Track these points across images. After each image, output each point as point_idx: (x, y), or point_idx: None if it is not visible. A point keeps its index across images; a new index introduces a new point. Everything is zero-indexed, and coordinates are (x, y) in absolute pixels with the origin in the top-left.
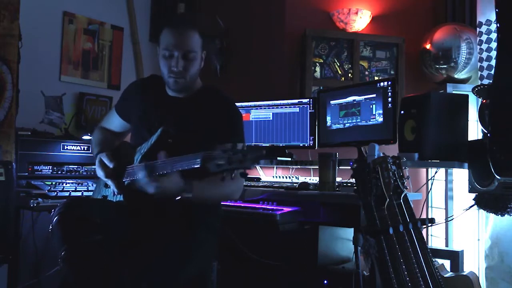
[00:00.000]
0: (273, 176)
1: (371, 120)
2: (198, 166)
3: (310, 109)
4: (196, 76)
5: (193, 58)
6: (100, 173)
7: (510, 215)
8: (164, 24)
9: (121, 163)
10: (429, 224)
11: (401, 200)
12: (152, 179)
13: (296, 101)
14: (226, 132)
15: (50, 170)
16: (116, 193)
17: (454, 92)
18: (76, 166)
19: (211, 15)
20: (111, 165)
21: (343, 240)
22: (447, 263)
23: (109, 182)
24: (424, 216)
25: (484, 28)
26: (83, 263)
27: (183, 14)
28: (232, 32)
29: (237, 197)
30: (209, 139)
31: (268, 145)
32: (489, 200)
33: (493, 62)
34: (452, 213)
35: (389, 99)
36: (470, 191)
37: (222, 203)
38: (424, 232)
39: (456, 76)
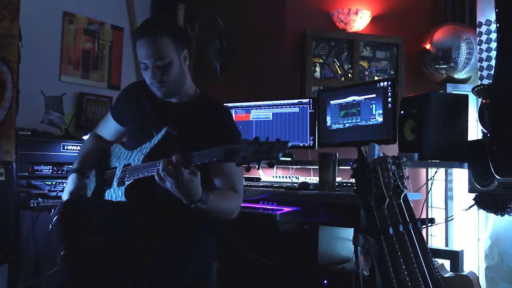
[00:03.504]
0: (273, 176)
1: (371, 120)
2: (222, 158)
3: (310, 109)
4: (181, 79)
5: (168, 65)
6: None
7: (510, 215)
8: (133, 36)
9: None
10: (429, 224)
11: (401, 200)
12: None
13: (296, 101)
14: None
15: (50, 170)
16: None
17: (454, 92)
18: None
19: (211, 15)
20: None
21: (343, 240)
22: (447, 263)
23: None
24: (424, 216)
25: (484, 28)
26: (82, 263)
27: (148, 21)
28: (232, 32)
29: (235, 215)
30: (205, 146)
31: None
32: (489, 200)
33: (493, 62)
34: (452, 213)
35: (389, 99)
36: (470, 191)
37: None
38: (424, 232)
39: (456, 76)
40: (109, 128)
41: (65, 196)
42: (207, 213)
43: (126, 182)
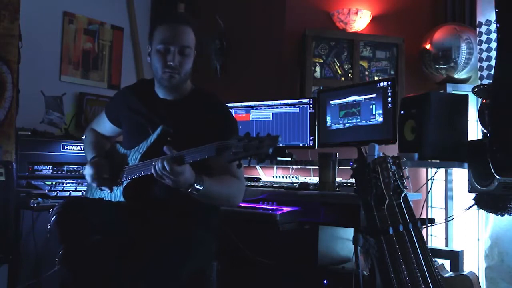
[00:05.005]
0: (273, 176)
1: (371, 120)
2: (213, 155)
3: (310, 109)
4: (189, 75)
5: (189, 54)
6: (90, 178)
7: (510, 215)
8: (159, 21)
9: (116, 166)
10: (429, 224)
11: (401, 200)
12: (170, 171)
13: (296, 101)
14: (221, 136)
15: (50, 170)
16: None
17: (454, 92)
18: (76, 166)
19: (211, 15)
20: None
21: (343, 240)
22: (447, 263)
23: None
24: (424, 216)
25: (484, 28)
26: (81, 263)
27: (177, 13)
28: (232, 32)
29: (239, 201)
30: (203, 141)
31: None
32: (489, 200)
33: (493, 62)
34: (452, 213)
35: (389, 99)
36: (470, 191)
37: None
38: (424, 232)
39: (456, 76)
40: (104, 127)
41: (89, 180)
42: (207, 198)
43: (124, 182)
